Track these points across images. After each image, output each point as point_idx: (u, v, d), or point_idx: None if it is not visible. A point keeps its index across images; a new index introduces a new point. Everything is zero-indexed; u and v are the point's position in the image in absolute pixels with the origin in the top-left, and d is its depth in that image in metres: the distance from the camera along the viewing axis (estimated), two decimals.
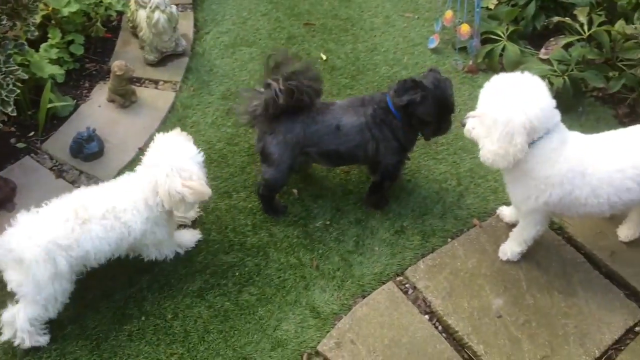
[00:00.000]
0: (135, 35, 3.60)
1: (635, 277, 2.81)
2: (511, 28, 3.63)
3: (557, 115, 2.40)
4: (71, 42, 3.45)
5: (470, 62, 3.65)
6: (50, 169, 3.08)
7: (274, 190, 2.91)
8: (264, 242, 2.89)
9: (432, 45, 3.73)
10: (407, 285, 2.79)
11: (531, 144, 2.36)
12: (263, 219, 2.97)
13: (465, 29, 3.65)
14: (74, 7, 3.34)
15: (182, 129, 3.06)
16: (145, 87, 3.48)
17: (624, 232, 2.88)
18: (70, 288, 2.47)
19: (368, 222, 2.98)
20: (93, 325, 2.60)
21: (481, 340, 2.61)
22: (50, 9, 3.33)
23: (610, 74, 3.37)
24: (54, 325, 2.54)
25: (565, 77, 3.34)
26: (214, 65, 3.59)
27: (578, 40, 3.40)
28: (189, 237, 2.82)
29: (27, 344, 2.46)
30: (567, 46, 3.44)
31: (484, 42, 3.67)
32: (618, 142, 2.49)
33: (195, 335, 2.59)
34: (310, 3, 3.98)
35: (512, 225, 2.85)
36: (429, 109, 2.67)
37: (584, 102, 3.49)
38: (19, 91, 2.82)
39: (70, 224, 2.35)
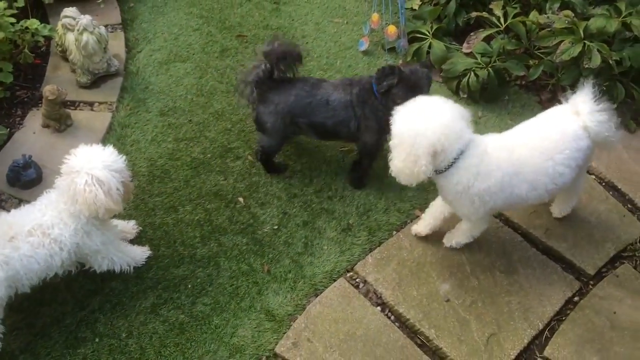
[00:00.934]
0: (65, 59, 3.57)
1: (570, 251, 2.99)
2: (435, 26, 3.80)
3: (466, 134, 2.47)
4: None
5: (400, 61, 3.79)
6: None
7: (270, 155, 3.16)
8: (214, 252, 2.91)
9: (363, 48, 3.85)
10: (357, 280, 2.87)
11: (452, 164, 2.45)
12: (211, 230, 2.99)
13: (392, 30, 3.79)
14: None
15: (122, 148, 3.09)
16: (80, 109, 3.45)
17: (557, 209, 3.05)
18: (1, 315, 2.40)
19: (315, 224, 3.04)
20: (45, 353, 2.56)
21: (432, 325, 2.71)
22: None
23: (531, 62, 3.57)
24: (4, 357, 2.49)
25: (489, 68, 3.52)
26: (149, 82, 3.60)
27: (498, 33, 3.58)
28: (139, 254, 2.81)
29: None
30: (489, 39, 3.62)
31: (411, 41, 3.82)
32: (535, 133, 2.63)
33: (151, 351, 2.59)
34: (240, 15, 4.04)
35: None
36: (401, 92, 2.82)
37: (509, 91, 3.68)
38: None
39: None
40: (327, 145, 3.35)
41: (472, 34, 3.58)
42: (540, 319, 2.77)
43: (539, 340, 2.73)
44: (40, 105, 3.35)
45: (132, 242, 2.88)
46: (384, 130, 2.96)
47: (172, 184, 3.15)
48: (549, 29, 3.37)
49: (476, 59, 3.60)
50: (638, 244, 3.05)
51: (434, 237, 2.96)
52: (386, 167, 3.23)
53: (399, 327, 2.72)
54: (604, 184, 3.29)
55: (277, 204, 3.11)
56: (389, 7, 3.87)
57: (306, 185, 3.18)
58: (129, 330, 2.64)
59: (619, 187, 3.27)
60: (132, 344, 2.61)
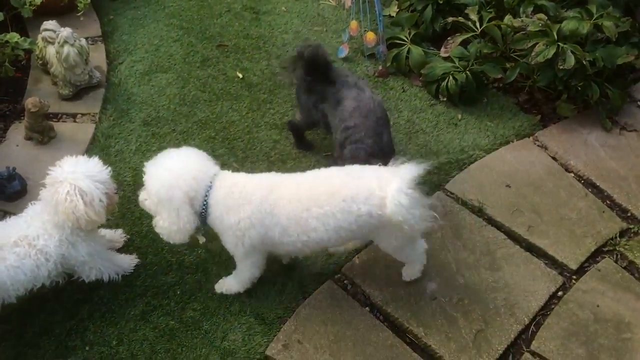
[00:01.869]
0: (47, 71, 3.57)
1: (552, 247, 3.05)
2: (413, 32, 3.87)
3: (211, 167, 2.48)
4: None
5: (380, 67, 3.85)
6: None
7: (299, 129, 3.37)
8: (202, 259, 2.92)
9: (343, 55, 3.91)
10: (345, 282, 2.90)
11: (206, 201, 2.42)
12: None
13: (371, 36, 3.86)
14: None
15: (107, 159, 3.08)
16: (63, 121, 3.45)
17: (405, 273, 2.86)
18: None
19: None
20: None
21: (420, 323, 2.75)
22: None
23: (507, 65, 3.65)
24: None
25: (467, 71, 3.60)
26: (132, 93, 3.61)
27: (474, 37, 3.66)
28: (127, 262, 2.81)
29: None
30: (466, 43, 3.70)
31: (390, 47, 3.89)
32: (299, 180, 2.50)
33: (142, 358, 2.58)
34: (221, 25, 4.08)
35: None
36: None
37: (487, 94, 3.76)
38: None
39: None
40: (311, 153, 3.40)
41: (449, 38, 3.65)
42: (525, 314, 2.81)
43: (526, 335, 2.77)
44: (22, 118, 3.34)
45: (120, 250, 2.88)
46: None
47: None
48: (523, 32, 3.46)
49: (454, 62, 3.68)
50: (618, 238, 3.12)
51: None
52: None
53: (387, 327, 2.75)
54: (582, 181, 3.37)
55: None
56: (367, 15, 3.94)
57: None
58: (119, 338, 2.63)
59: (598, 184, 3.35)
60: (123, 351, 2.60)
